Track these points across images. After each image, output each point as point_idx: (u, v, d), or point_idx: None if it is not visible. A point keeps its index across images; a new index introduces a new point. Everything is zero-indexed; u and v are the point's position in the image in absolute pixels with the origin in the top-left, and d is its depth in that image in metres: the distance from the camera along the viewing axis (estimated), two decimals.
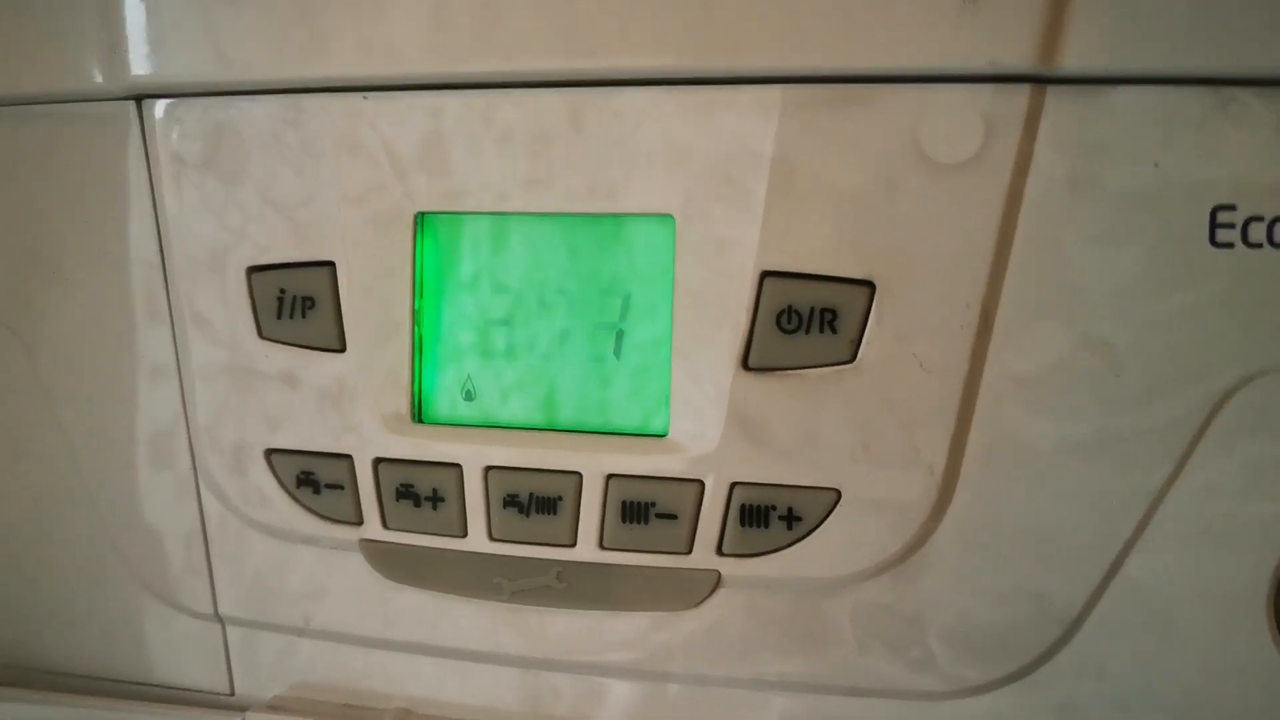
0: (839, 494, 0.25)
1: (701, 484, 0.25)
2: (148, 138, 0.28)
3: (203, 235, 0.28)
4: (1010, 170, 0.23)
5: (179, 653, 0.31)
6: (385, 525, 0.27)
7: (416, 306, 0.27)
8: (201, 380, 0.28)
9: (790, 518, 0.25)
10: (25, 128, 0.29)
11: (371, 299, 0.27)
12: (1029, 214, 0.23)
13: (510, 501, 0.26)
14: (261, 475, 0.28)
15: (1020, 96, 0.23)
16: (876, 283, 0.24)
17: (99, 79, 0.28)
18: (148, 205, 0.28)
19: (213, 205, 0.27)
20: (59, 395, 0.30)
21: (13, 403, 0.31)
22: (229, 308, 0.28)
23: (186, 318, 0.28)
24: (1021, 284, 0.24)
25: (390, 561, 0.28)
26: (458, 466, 0.27)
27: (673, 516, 0.26)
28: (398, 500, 0.27)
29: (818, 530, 0.25)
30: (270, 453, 0.28)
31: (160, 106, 0.28)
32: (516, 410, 0.27)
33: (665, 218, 0.25)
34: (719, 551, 0.25)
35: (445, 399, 0.27)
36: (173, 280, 0.28)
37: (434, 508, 0.27)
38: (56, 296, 0.30)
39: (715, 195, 0.25)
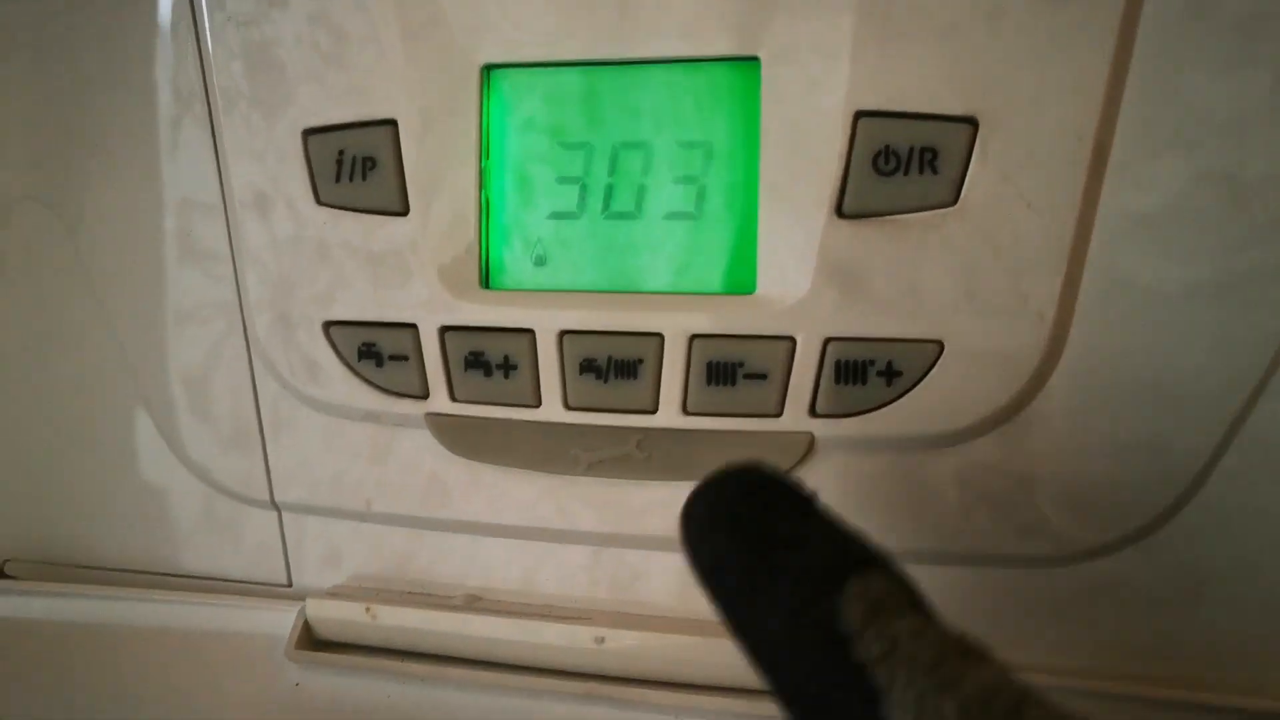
0: (941, 346, 0.23)
1: (792, 340, 0.24)
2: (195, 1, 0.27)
3: (255, 97, 0.26)
4: None
5: (233, 543, 0.29)
6: (453, 397, 0.26)
7: (483, 166, 0.25)
8: (254, 251, 0.27)
9: (889, 373, 0.24)
10: None
11: (435, 158, 0.25)
12: (1145, 38, 0.22)
13: (587, 367, 0.25)
14: (319, 349, 0.26)
15: None
16: (979, 119, 0.22)
17: None
18: (195, 67, 0.27)
19: (264, 66, 0.26)
20: (101, 273, 0.29)
21: (52, 283, 0.29)
22: (285, 173, 0.26)
23: (238, 185, 0.26)
24: (1137, 114, 0.22)
25: (459, 435, 0.26)
26: (530, 332, 0.25)
27: (762, 376, 0.24)
28: (466, 370, 0.26)
29: (919, 385, 0.23)
30: (329, 325, 0.26)
31: None
32: (591, 273, 0.25)
33: (750, 61, 0.24)
34: (812, 412, 0.24)
35: (515, 263, 0.26)
36: (223, 146, 0.27)
37: (505, 376, 0.25)
38: (97, 169, 0.28)
39: (803, 34, 0.23)
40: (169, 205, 0.28)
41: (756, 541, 0.17)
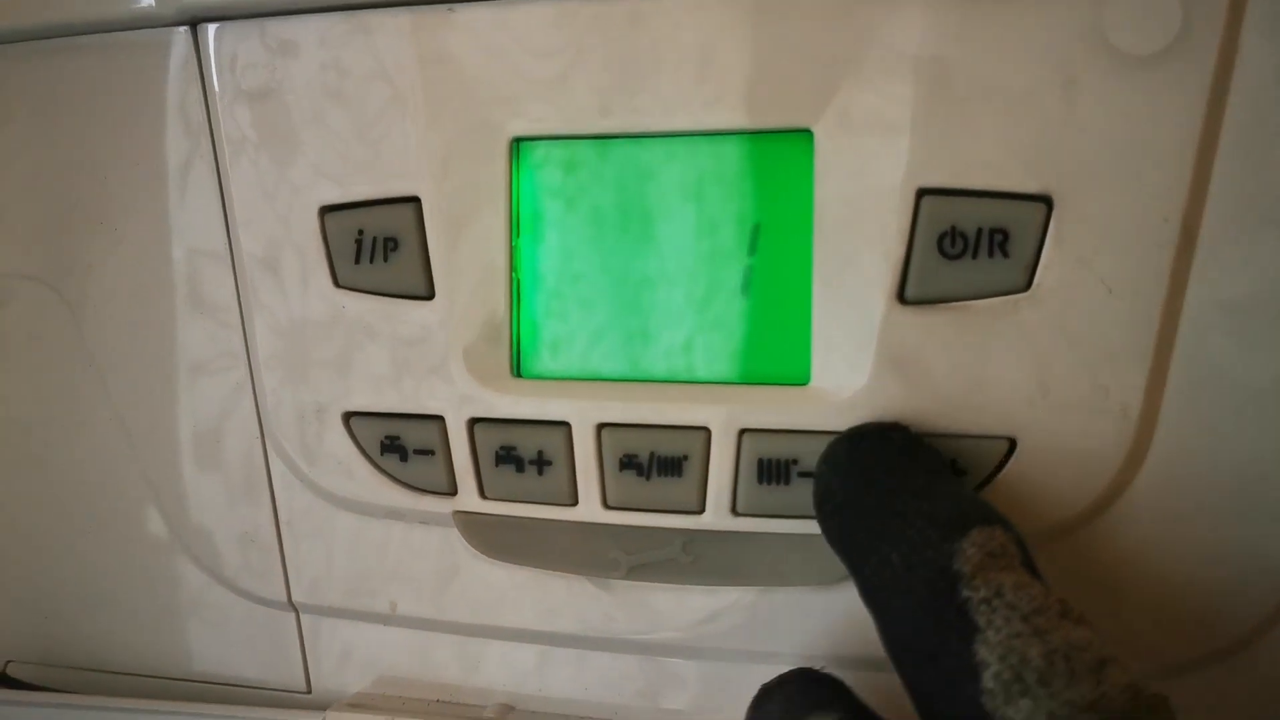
0: (1013, 443, 0.21)
1: None
2: (204, 67, 0.25)
3: (267, 174, 0.24)
4: (1214, 60, 0.20)
5: (249, 646, 0.27)
6: (483, 494, 0.24)
7: (514, 245, 0.24)
8: (270, 336, 0.25)
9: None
10: (68, 62, 0.26)
11: (462, 238, 0.24)
12: (1236, 110, 0.20)
13: (628, 463, 0.23)
14: (339, 442, 0.25)
15: None
16: (1054, 197, 0.21)
17: (149, 1, 0.25)
18: (205, 142, 0.25)
19: (278, 140, 0.24)
20: (106, 359, 0.27)
21: (56, 370, 0.28)
22: (300, 254, 0.25)
23: (252, 266, 0.25)
24: (1229, 192, 0.20)
25: (489, 535, 0.24)
26: (566, 425, 0.23)
27: None
28: (497, 465, 0.24)
29: (990, 485, 0.22)
30: (349, 416, 0.25)
31: (217, 30, 0.24)
32: (632, 360, 0.24)
33: (802, 133, 0.22)
34: None
35: (549, 349, 0.24)
36: (235, 224, 0.25)
37: (539, 472, 0.24)
38: (103, 249, 0.27)
39: (859, 105, 0.21)
40: (178, 287, 0.26)
41: (893, 486, 0.19)
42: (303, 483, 0.25)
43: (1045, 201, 0.21)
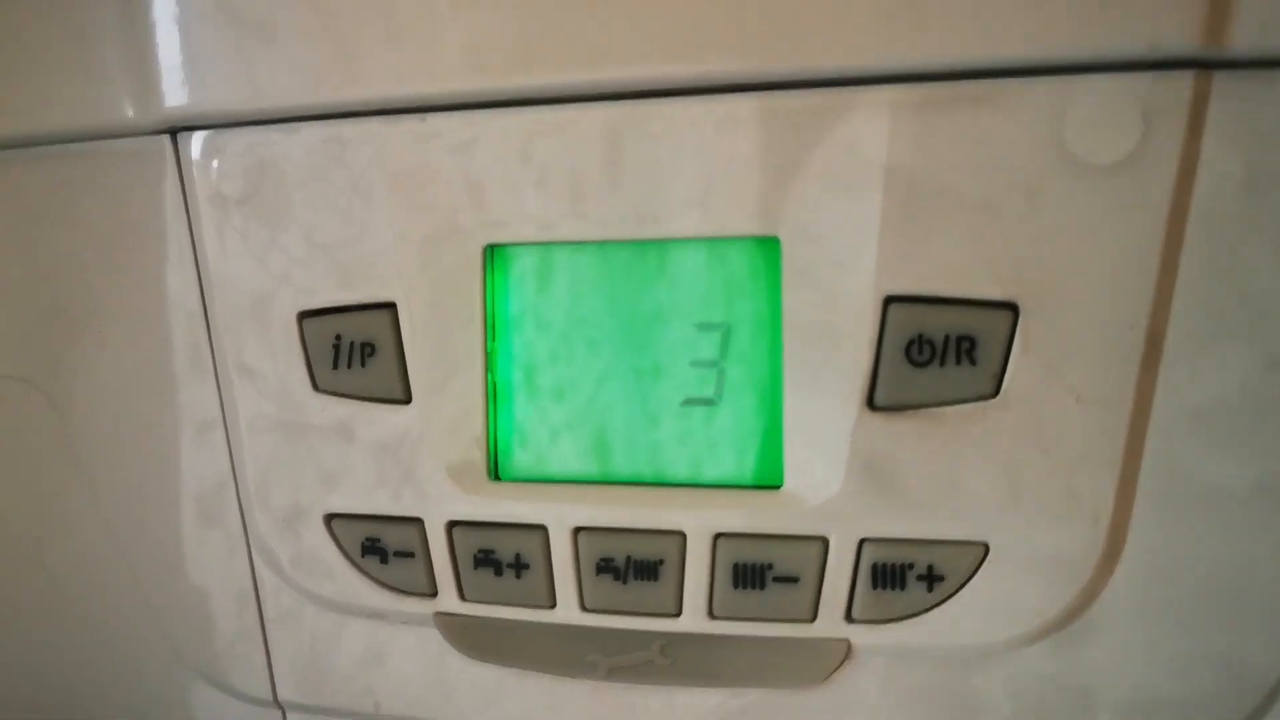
0: (986, 548, 0.22)
1: (825, 541, 0.22)
2: (184, 174, 0.25)
3: (248, 279, 0.25)
4: (1175, 169, 0.20)
5: None
6: (463, 596, 0.24)
7: (489, 349, 0.24)
8: (251, 439, 0.25)
9: (930, 577, 0.22)
10: (51, 169, 0.27)
11: (438, 342, 0.24)
12: (1199, 219, 0.20)
13: (604, 567, 0.23)
14: (321, 543, 0.25)
15: (1183, 84, 0.20)
16: (1020, 305, 0.21)
17: (130, 112, 0.25)
18: (186, 248, 0.26)
19: (257, 246, 0.25)
20: (92, 459, 0.28)
21: (41, 469, 0.28)
22: (279, 358, 0.25)
23: (233, 371, 0.25)
24: (1194, 300, 0.20)
25: (470, 637, 0.25)
26: (542, 528, 0.24)
27: (793, 579, 0.22)
28: (476, 568, 0.24)
29: (963, 590, 0.22)
30: (330, 518, 0.25)
31: (197, 139, 0.25)
32: (607, 463, 0.24)
33: (769, 240, 0.22)
34: (848, 618, 0.22)
35: (525, 452, 0.24)
36: (216, 330, 0.25)
37: (517, 576, 0.24)
38: (87, 351, 0.27)
39: (825, 212, 0.22)
40: (162, 390, 0.26)
41: None
42: (286, 582, 0.26)
43: (1011, 309, 0.21)
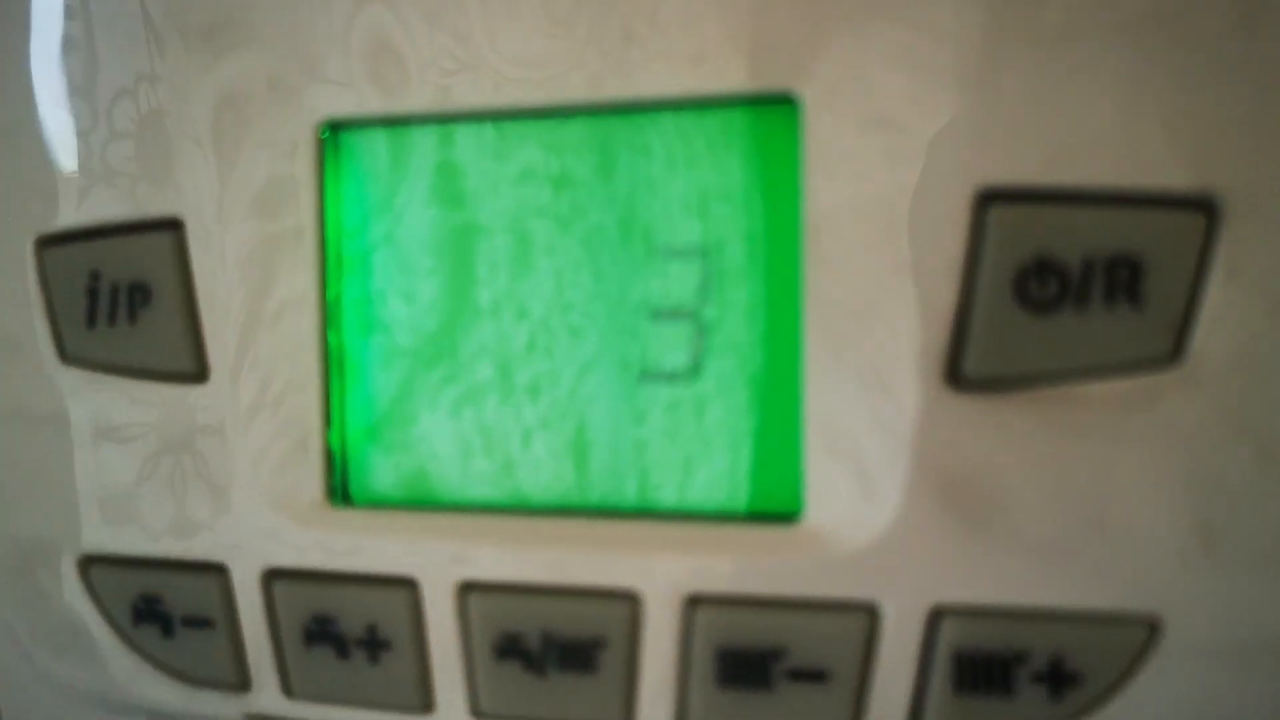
0: (1155, 624, 0.13)
1: (872, 610, 0.13)
2: None
3: None
4: None
5: None
6: (288, 691, 0.15)
7: (329, 295, 0.15)
8: None
9: (1055, 676, 0.13)
10: None
11: (249, 283, 0.15)
12: None
13: (510, 648, 0.14)
14: (75, 600, 0.16)
15: None
16: (1221, 201, 0.12)
17: None
18: None
19: None
20: None
21: None
22: (7, 311, 0.16)
23: None
24: None
25: None
26: (412, 583, 0.15)
27: (819, 676, 0.13)
28: (309, 646, 0.15)
29: (1115, 699, 0.13)
30: (88, 562, 0.16)
31: None
32: (518, 476, 0.15)
33: (782, 101, 0.13)
34: None
35: (386, 462, 0.15)
36: None
37: (372, 659, 0.15)
38: None
39: (874, 50, 0.13)
40: None
41: None
42: (25, 661, 0.17)
43: (1205, 208, 0.12)
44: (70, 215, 0.16)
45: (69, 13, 0.16)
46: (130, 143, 0.15)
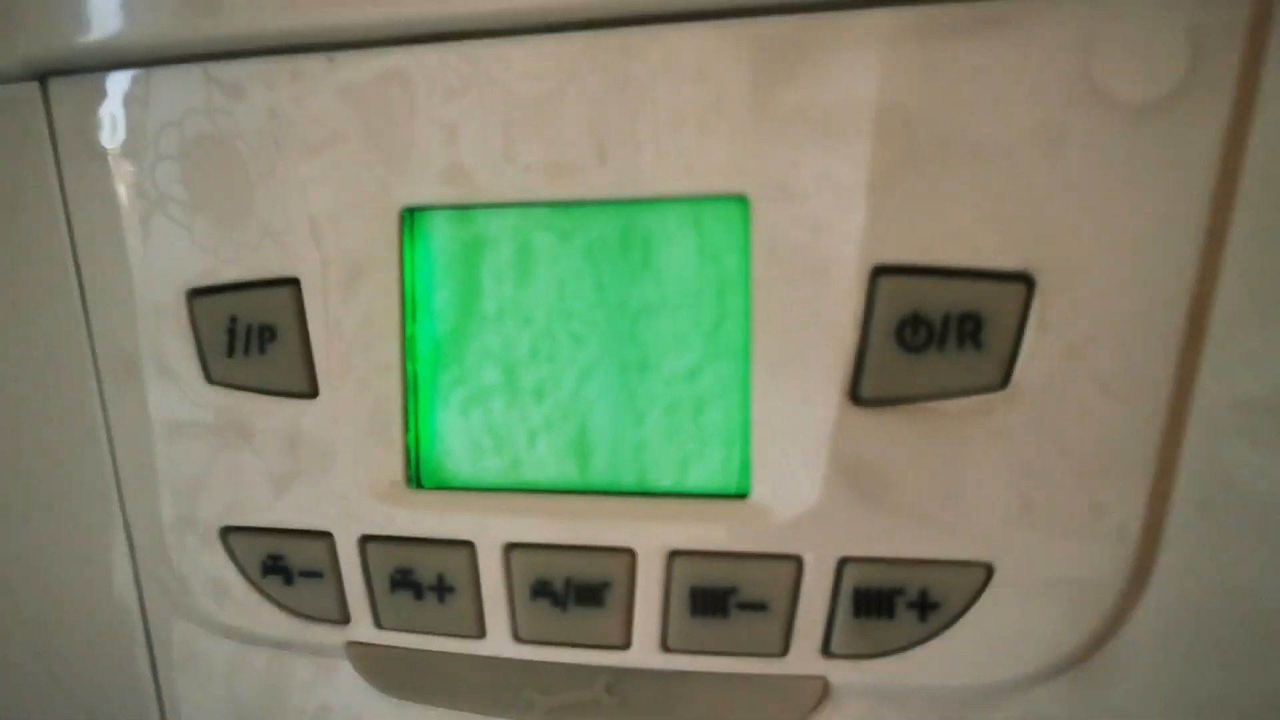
0: (990, 570, 0.18)
1: (799, 560, 0.19)
2: (54, 126, 0.22)
3: (124, 250, 0.21)
4: (1228, 107, 0.16)
5: None
6: (379, 624, 0.21)
7: (408, 333, 0.20)
8: (133, 441, 0.22)
9: (923, 604, 0.18)
10: None
11: (348, 325, 0.20)
12: (1256, 168, 0.16)
13: (541, 590, 0.20)
14: (217, 560, 0.22)
15: (1239, 4, 0.16)
16: (1036, 276, 0.17)
17: None
18: (59, 214, 0.22)
19: (134, 209, 0.21)
20: None
21: None
22: (166, 345, 0.21)
23: (112, 361, 0.22)
24: (1247, 270, 0.17)
25: (387, 670, 0.21)
26: (470, 545, 0.20)
27: (761, 606, 0.19)
28: (393, 590, 0.21)
29: (961, 620, 0.18)
30: (227, 531, 0.22)
31: (67, 85, 0.21)
32: (546, 468, 0.20)
33: (736, 199, 0.19)
34: (826, 652, 0.19)
35: (452, 456, 0.21)
36: (92, 312, 0.22)
37: (440, 600, 0.20)
38: None
39: (802, 165, 0.18)
40: (25, 375, 0.23)
41: None
42: (178, 608, 0.22)
43: (1025, 281, 0.17)
44: (214, 273, 0.21)
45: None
46: (257, 222, 0.21)
